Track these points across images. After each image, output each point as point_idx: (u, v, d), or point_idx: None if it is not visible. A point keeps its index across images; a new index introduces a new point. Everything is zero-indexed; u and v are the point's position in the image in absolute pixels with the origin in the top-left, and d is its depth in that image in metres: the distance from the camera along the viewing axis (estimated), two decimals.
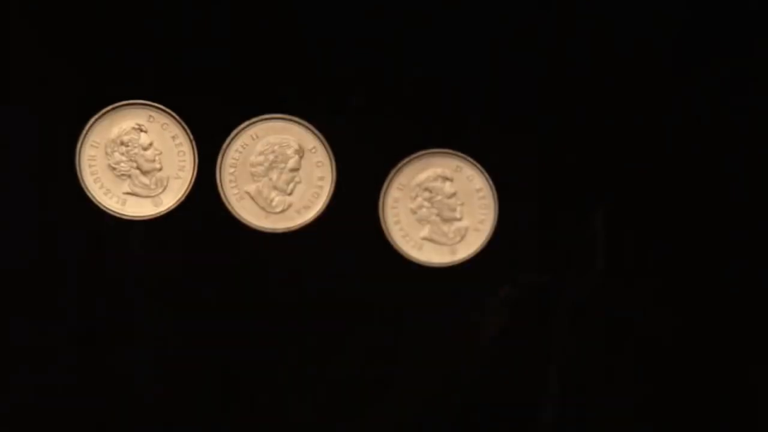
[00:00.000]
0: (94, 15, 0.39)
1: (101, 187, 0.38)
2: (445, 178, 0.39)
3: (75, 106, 0.38)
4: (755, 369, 0.39)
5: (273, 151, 0.39)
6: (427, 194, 0.39)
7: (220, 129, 0.39)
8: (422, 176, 0.39)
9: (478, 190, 0.39)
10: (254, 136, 0.39)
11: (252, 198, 0.39)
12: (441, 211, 0.39)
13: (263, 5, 0.39)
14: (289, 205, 0.39)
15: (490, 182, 0.39)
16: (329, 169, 0.39)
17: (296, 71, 0.39)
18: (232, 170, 0.39)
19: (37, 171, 0.39)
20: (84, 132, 0.38)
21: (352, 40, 0.39)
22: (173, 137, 0.38)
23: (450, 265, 0.39)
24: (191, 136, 0.38)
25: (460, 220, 0.39)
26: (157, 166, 0.39)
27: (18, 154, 0.39)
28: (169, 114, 0.38)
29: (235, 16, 0.39)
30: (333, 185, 0.39)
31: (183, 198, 0.39)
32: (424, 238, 0.39)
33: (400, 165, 0.39)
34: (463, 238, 0.39)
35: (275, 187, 0.39)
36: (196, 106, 0.39)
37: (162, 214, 0.39)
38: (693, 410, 0.39)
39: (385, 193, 0.39)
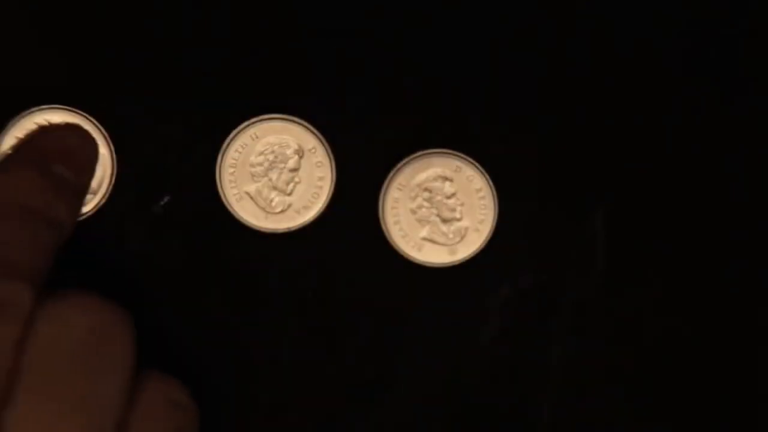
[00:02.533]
0: (93, 15, 0.39)
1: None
2: (445, 178, 0.39)
3: (74, 104, 0.38)
4: (756, 369, 0.39)
5: (272, 152, 0.39)
6: (426, 194, 0.39)
7: (219, 129, 0.39)
8: (422, 176, 0.39)
9: (478, 190, 0.39)
10: (254, 137, 0.39)
11: (252, 198, 0.39)
12: (441, 211, 0.39)
13: (263, 5, 0.39)
14: (289, 205, 0.39)
15: (490, 182, 0.39)
16: (329, 169, 0.39)
17: (296, 71, 0.39)
18: (231, 170, 0.39)
19: None
20: None
21: (352, 40, 0.39)
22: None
23: (450, 265, 0.39)
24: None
25: (460, 220, 0.39)
26: None
27: None
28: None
29: (235, 15, 0.39)
30: (333, 185, 0.39)
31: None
32: (424, 239, 0.39)
33: (400, 165, 0.39)
34: (463, 238, 0.39)
35: (275, 188, 0.39)
36: (196, 106, 0.39)
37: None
38: (693, 410, 0.39)
39: (385, 193, 0.39)
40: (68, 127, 0.38)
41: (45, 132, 0.38)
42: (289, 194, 0.39)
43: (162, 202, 0.39)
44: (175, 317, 0.39)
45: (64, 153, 0.37)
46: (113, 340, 0.32)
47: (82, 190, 0.37)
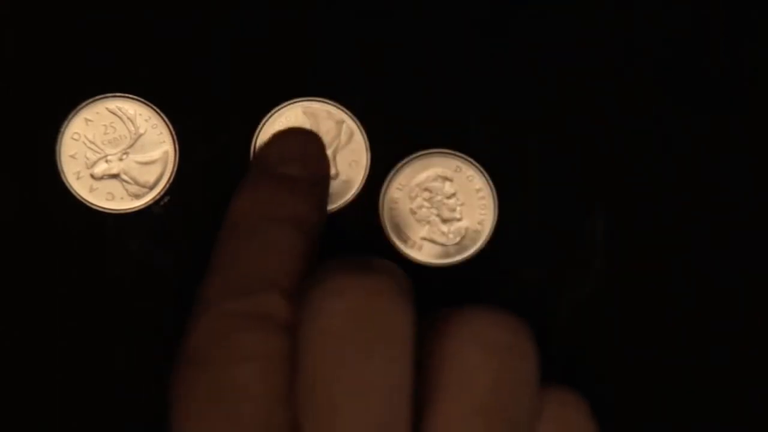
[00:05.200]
0: (93, 16, 0.39)
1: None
2: (445, 178, 0.39)
3: (73, 104, 0.38)
4: (755, 369, 0.39)
5: None
6: (426, 194, 0.39)
7: (218, 130, 0.39)
8: (422, 176, 0.39)
9: (478, 190, 0.39)
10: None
11: None
12: (441, 211, 0.39)
13: (263, 6, 0.39)
14: None
15: (490, 182, 0.39)
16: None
17: (295, 72, 0.39)
18: None
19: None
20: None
21: (352, 41, 0.39)
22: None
23: (450, 265, 0.39)
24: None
25: (460, 220, 0.39)
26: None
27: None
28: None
29: (235, 17, 0.39)
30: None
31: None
32: (424, 238, 0.39)
33: (400, 165, 0.39)
34: (463, 238, 0.39)
35: None
36: (194, 107, 0.39)
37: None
38: (693, 410, 0.39)
39: (384, 193, 0.39)
40: (283, 133, 0.38)
41: (265, 145, 0.38)
42: None
43: (162, 202, 0.39)
44: (175, 317, 0.39)
45: (287, 154, 0.37)
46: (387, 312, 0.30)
47: (318, 181, 0.38)
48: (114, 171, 0.38)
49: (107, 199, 0.38)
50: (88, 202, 0.38)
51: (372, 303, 0.30)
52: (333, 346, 0.29)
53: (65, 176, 0.38)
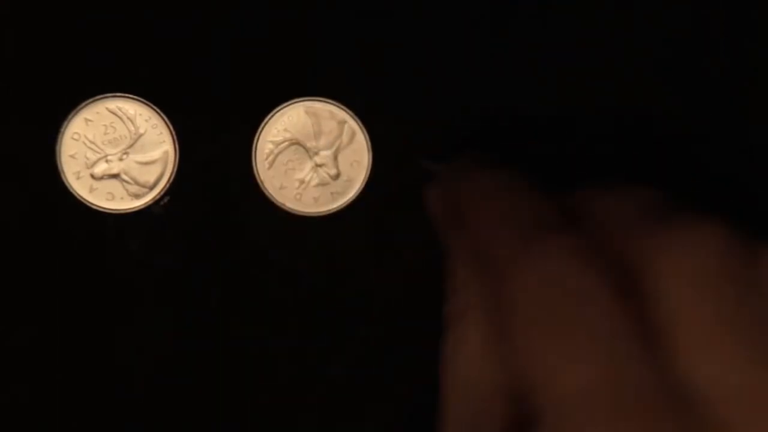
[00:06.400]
0: (93, 16, 0.39)
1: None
2: None
3: (73, 104, 0.38)
4: None
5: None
6: None
7: (218, 130, 0.39)
8: None
9: None
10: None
11: None
12: None
13: (263, 6, 0.39)
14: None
15: None
16: None
17: (294, 74, 0.39)
18: None
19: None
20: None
21: (352, 40, 0.39)
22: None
23: None
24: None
25: None
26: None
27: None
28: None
29: (235, 17, 0.39)
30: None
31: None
32: None
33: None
34: None
35: None
36: (194, 107, 0.39)
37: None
38: None
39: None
40: None
41: None
42: None
43: (162, 202, 0.39)
44: (175, 317, 0.39)
45: None
46: None
47: None
48: (114, 171, 0.38)
49: (107, 199, 0.38)
50: (88, 202, 0.38)
51: None
52: None
53: (65, 176, 0.38)
